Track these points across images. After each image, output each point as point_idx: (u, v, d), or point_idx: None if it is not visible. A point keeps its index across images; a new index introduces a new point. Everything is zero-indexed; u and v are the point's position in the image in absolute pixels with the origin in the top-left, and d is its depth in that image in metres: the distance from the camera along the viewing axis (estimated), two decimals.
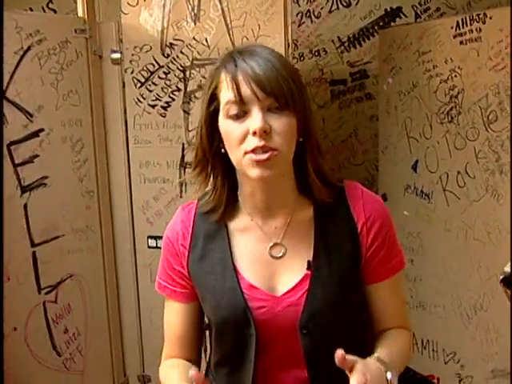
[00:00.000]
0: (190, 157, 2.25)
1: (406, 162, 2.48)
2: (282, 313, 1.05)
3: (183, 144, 2.25)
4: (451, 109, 2.24)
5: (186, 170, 2.26)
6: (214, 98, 1.03)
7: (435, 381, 2.35)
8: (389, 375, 0.96)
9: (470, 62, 2.13)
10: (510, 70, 1.91)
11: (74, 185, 2.14)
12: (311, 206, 1.10)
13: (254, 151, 0.98)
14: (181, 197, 2.28)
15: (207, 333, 1.22)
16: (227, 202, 1.10)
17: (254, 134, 0.97)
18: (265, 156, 0.98)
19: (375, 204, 1.11)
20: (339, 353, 0.90)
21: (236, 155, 1.01)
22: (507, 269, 1.78)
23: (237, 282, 1.07)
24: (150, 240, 2.33)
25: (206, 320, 1.19)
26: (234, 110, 1.00)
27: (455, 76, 2.21)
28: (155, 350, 2.37)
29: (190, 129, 2.23)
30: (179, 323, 1.17)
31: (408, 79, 2.43)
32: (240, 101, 0.98)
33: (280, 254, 1.09)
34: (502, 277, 1.74)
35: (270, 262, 1.09)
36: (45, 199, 2.04)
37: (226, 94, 1.00)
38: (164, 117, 2.24)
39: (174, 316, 1.17)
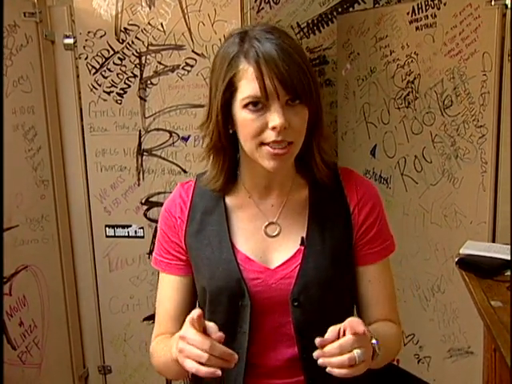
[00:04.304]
0: (147, 144, 2.23)
1: (365, 148, 2.50)
2: (275, 285, 1.08)
3: (140, 131, 2.22)
4: (408, 94, 2.26)
5: (143, 157, 2.23)
6: (231, 85, 1.01)
7: (395, 362, 2.39)
8: (374, 341, 0.97)
9: (426, 48, 2.16)
10: None
11: (27, 174, 2.09)
12: (306, 187, 1.14)
13: (270, 144, 0.99)
14: (138, 185, 2.26)
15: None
16: (227, 176, 1.12)
17: (273, 129, 0.98)
18: (283, 151, 1.00)
19: (367, 187, 1.15)
20: (317, 340, 0.90)
21: (251, 145, 1.02)
22: (463, 251, 1.82)
23: (233, 253, 1.09)
24: (107, 229, 2.30)
25: (198, 297, 1.19)
26: (253, 103, 0.99)
27: (411, 61, 2.23)
28: (115, 340, 2.40)
29: (146, 115, 2.20)
30: (173, 297, 1.18)
31: (366, 65, 2.44)
32: (263, 96, 0.97)
33: (275, 233, 1.12)
34: (457, 259, 1.77)
35: (265, 239, 1.12)
36: None
37: (246, 86, 0.99)
38: (120, 104, 2.21)
39: (169, 290, 1.18)
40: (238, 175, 1.14)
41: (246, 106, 0.99)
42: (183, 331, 0.94)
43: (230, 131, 1.06)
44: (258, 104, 0.98)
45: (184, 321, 1.15)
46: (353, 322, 0.92)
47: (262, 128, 0.99)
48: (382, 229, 1.15)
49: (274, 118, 0.97)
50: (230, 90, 1.01)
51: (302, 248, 1.09)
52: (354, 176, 1.16)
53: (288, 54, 0.98)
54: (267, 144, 1.00)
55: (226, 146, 1.08)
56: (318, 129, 1.08)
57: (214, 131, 1.06)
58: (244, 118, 1.00)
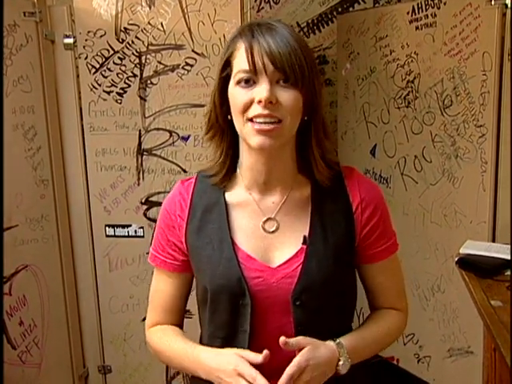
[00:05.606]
0: (147, 143, 2.23)
1: (365, 147, 2.50)
2: (277, 284, 1.07)
3: (140, 131, 2.22)
4: (408, 94, 2.26)
5: (143, 156, 2.23)
6: (227, 65, 1.06)
7: (395, 362, 2.39)
8: (341, 361, 1.04)
9: (426, 47, 2.16)
10: None
11: (27, 173, 2.09)
12: (309, 186, 1.13)
13: (255, 119, 1.01)
14: (138, 184, 2.26)
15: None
16: (228, 170, 1.13)
17: (259, 102, 1.00)
18: (268, 127, 1.01)
19: (370, 186, 1.15)
20: (281, 339, 0.98)
21: (239, 122, 1.04)
22: (462, 250, 1.82)
23: (233, 252, 1.09)
24: (107, 228, 2.29)
25: (199, 296, 1.19)
26: (243, 78, 1.02)
27: (411, 61, 2.23)
28: (115, 339, 2.40)
29: (146, 115, 2.20)
30: (166, 293, 1.20)
31: (366, 64, 2.44)
32: (251, 70, 1.01)
33: (272, 229, 1.12)
34: (457, 258, 1.77)
35: (265, 236, 1.11)
36: None
37: (238, 62, 1.03)
38: (120, 103, 2.21)
39: (162, 285, 1.20)
40: (238, 171, 1.14)
41: (238, 83, 1.03)
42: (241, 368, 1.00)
43: (229, 117, 1.08)
44: (249, 81, 1.02)
45: (175, 312, 1.21)
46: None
47: (249, 102, 1.02)
48: (386, 229, 1.15)
49: (260, 92, 1.00)
50: (226, 69, 1.06)
51: (305, 247, 1.09)
52: (357, 175, 1.15)
53: (284, 37, 1.01)
54: (253, 119, 1.01)
55: (224, 127, 1.10)
56: (316, 121, 1.08)
57: (212, 112, 1.10)
58: (235, 95, 1.04)
